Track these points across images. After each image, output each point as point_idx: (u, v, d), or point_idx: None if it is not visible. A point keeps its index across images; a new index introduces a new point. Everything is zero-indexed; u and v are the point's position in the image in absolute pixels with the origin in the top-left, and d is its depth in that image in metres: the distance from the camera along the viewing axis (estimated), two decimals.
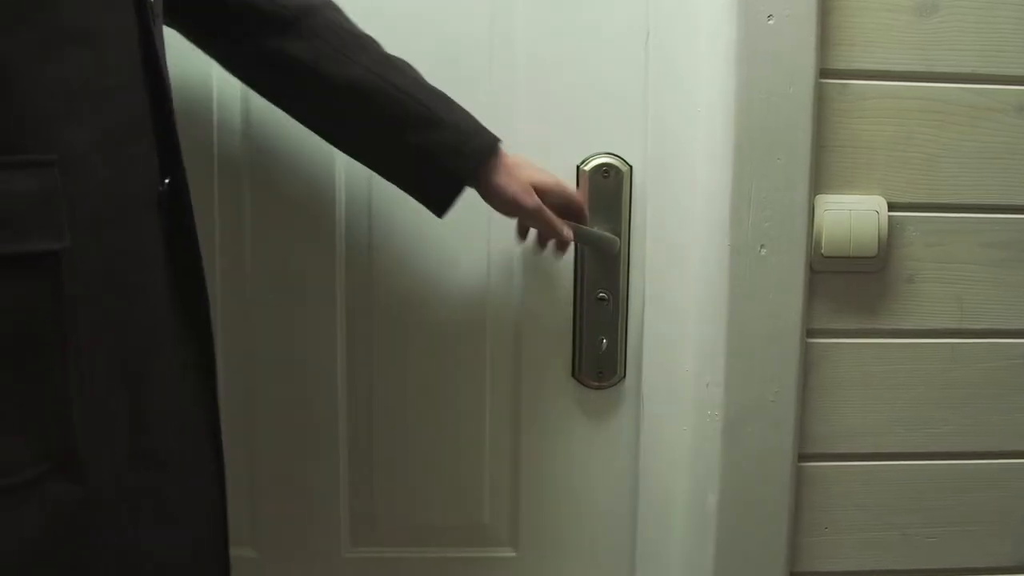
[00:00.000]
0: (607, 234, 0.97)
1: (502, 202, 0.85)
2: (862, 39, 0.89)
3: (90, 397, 0.57)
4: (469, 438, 1.03)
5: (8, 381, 0.53)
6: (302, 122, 0.86)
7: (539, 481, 1.04)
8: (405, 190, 0.87)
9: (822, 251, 0.91)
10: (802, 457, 0.95)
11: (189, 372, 0.69)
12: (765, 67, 0.87)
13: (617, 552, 1.05)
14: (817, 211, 0.90)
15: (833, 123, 0.90)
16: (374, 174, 0.88)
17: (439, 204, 0.85)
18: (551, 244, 0.93)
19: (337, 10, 0.84)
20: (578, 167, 0.97)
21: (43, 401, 0.55)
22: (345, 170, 0.99)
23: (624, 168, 0.98)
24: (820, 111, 0.89)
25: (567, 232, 0.89)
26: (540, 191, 0.86)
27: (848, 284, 0.93)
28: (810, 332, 0.93)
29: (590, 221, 0.96)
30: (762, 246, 0.90)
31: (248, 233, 0.99)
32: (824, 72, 0.88)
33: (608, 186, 0.98)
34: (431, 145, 0.82)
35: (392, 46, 0.85)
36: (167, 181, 0.66)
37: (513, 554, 1.05)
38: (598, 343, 1.01)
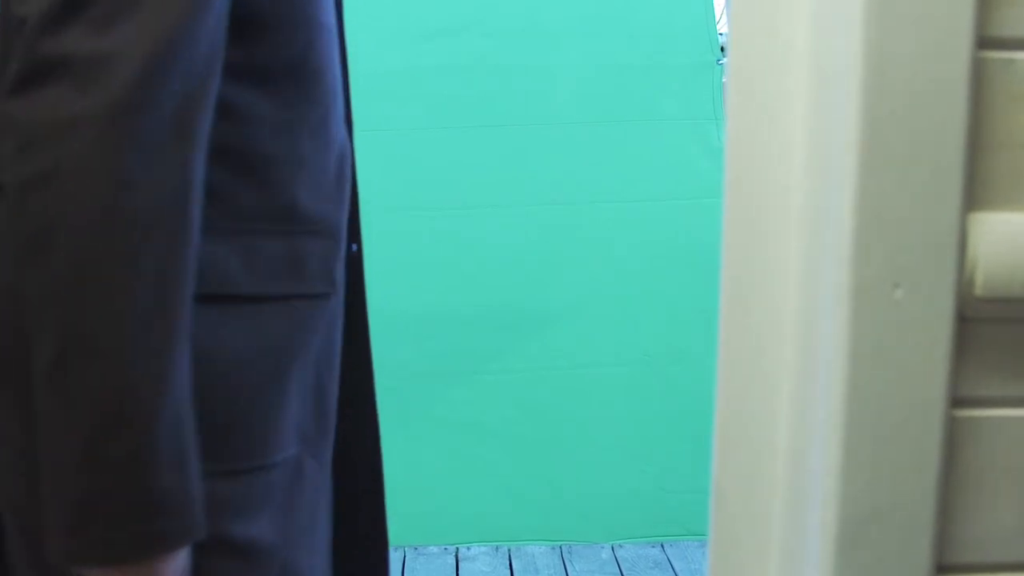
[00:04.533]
0: None
1: None
2: None
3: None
4: None
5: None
6: None
7: None
8: None
9: (977, 291, 0.66)
10: (941, 569, 0.70)
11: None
12: (903, 32, 0.62)
13: None
14: (971, 235, 0.65)
15: (995, 112, 0.65)
16: None
17: None
18: None
19: None
20: None
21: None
22: None
23: None
24: (978, 95, 0.64)
25: None
26: None
27: (1011, 336, 0.68)
28: (958, 402, 0.68)
29: None
30: (896, 285, 0.65)
31: None
32: (984, 41, 0.64)
33: None
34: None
35: None
36: (355, 246, 0.89)
37: None
38: None
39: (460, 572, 2.60)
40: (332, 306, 0.82)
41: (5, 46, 0.66)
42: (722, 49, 2.74)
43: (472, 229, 2.73)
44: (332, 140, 0.80)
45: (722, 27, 2.76)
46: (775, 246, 0.70)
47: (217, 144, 0.67)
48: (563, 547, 2.73)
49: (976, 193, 0.66)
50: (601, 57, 2.74)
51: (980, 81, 0.64)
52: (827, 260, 0.66)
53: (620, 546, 2.72)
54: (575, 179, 2.74)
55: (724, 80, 2.45)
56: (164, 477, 0.63)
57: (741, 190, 0.74)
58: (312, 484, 0.81)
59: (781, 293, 0.70)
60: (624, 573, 2.59)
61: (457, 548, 2.72)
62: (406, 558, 2.67)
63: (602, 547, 2.72)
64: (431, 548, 2.71)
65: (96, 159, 0.60)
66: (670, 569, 2.61)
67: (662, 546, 2.72)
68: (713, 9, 2.79)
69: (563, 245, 2.75)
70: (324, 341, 0.82)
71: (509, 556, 2.68)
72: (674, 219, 2.74)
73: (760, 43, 0.71)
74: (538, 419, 2.75)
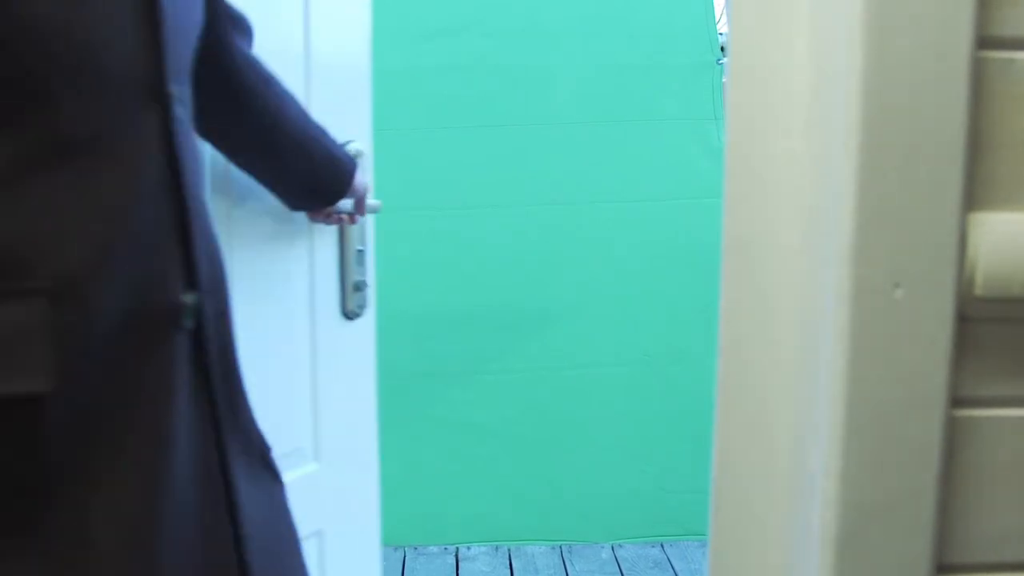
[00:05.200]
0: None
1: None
2: None
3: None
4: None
5: None
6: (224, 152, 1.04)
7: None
8: (282, 199, 1.14)
9: (977, 291, 0.66)
10: (942, 569, 0.70)
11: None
12: (901, 34, 0.62)
13: None
14: (971, 235, 0.65)
15: (995, 113, 0.65)
16: None
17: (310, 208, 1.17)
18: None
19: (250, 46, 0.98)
20: None
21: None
22: None
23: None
24: (978, 95, 0.64)
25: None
26: None
27: (1011, 336, 0.68)
28: (957, 401, 0.68)
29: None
30: (896, 285, 0.65)
31: None
32: (984, 41, 0.63)
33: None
34: (319, 176, 1.11)
35: None
36: (189, 301, 0.60)
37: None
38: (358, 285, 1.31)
39: (460, 572, 2.60)
40: (80, 403, 0.52)
41: None
42: (722, 49, 2.73)
43: (472, 229, 2.73)
44: (100, 156, 0.53)
45: (722, 27, 2.76)
46: (775, 246, 0.69)
47: None
48: (563, 547, 2.72)
49: (976, 193, 0.66)
50: (601, 57, 2.74)
51: (980, 81, 0.64)
52: (827, 260, 0.66)
53: (620, 546, 2.72)
54: (575, 179, 2.74)
55: (724, 80, 2.45)
56: None
57: (741, 190, 0.74)
58: None
59: (781, 293, 0.70)
60: (624, 573, 2.59)
61: (457, 548, 2.72)
62: (406, 558, 2.67)
63: (602, 547, 2.72)
64: (431, 548, 2.71)
65: None
66: (670, 569, 2.61)
67: (662, 546, 2.71)
68: (713, 9, 2.79)
69: (563, 245, 2.75)
70: (69, 454, 0.52)
71: (509, 556, 2.68)
72: (674, 219, 2.74)
73: (760, 43, 0.71)
74: (538, 419, 2.75)
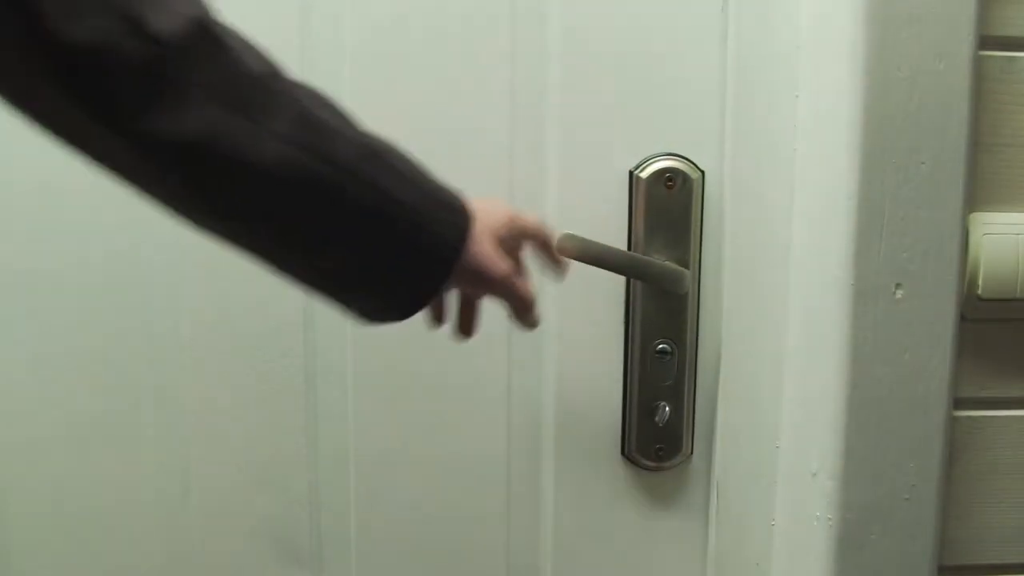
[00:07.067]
0: (672, 266, 0.75)
1: (465, 280, 0.56)
2: None
3: None
4: (483, 547, 0.80)
5: None
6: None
7: None
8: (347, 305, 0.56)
9: (979, 292, 0.66)
10: (943, 570, 0.70)
11: None
12: (903, 33, 0.62)
13: None
14: (972, 235, 0.65)
15: (997, 112, 0.65)
16: None
17: (399, 315, 0.56)
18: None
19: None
20: (631, 173, 0.74)
21: None
22: None
23: (694, 175, 0.74)
24: (979, 96, 0.64)
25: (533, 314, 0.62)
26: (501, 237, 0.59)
27: (1013, 336, 0.68)
28: (959, 402, 0.68)
29: (649, 249, 0.75)
30: (897, 285, 0.64)
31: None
32: (985, 41, 0.63)
33: (672, 200, 0.75)
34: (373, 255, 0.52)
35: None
36: None
37: None
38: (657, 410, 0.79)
39: None
40: None
41: None
42: None
43: None
44: None
45: None
46: (775, 247, 0.69)
47: None
48: None
49: (976, 193, 0.65)
50: None
51: (980, 81, 0.64)
52: (828, 260, 0.66)
53: None
54: None
55: None
56: None
57: (742, 190, 0.74)
58: None
59: (782, 293, 0.70)
60: None
61: None
62: None
63: None
64: None
65: None
66: None
67: None
68: None
69: None
70: None
71: None
72: None
73: (760, 42, 0.71)
74: None
